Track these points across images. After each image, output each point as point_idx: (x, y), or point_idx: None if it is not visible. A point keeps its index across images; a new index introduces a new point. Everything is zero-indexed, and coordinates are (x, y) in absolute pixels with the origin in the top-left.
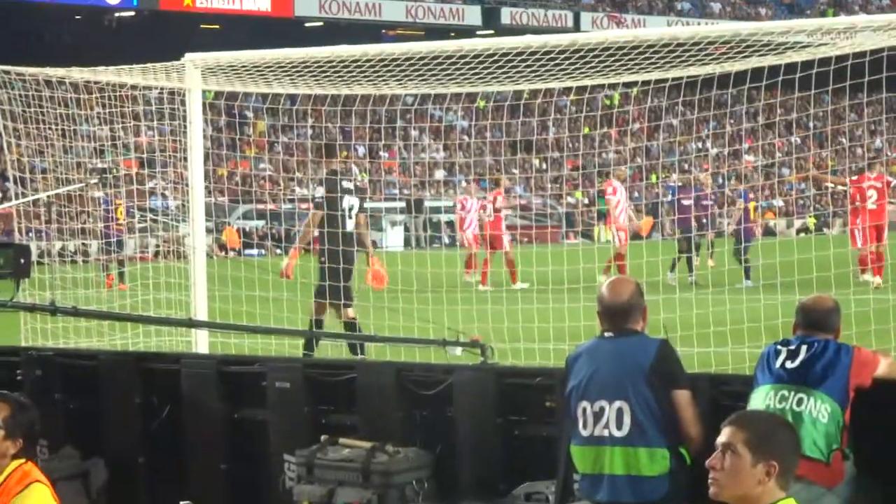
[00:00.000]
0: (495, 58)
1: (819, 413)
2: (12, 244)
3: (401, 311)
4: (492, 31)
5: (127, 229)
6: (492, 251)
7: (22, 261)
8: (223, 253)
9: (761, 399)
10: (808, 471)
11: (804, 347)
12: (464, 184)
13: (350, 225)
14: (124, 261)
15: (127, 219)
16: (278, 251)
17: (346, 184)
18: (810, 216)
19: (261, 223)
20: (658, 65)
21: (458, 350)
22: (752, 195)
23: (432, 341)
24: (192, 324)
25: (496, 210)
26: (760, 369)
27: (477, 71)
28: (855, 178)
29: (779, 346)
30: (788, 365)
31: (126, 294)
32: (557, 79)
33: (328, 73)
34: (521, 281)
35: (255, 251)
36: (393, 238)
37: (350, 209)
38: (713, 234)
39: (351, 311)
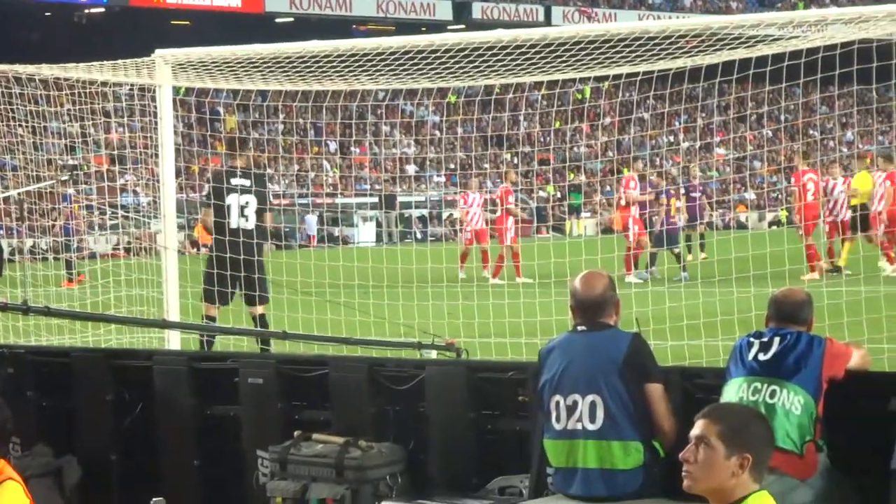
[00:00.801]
0: (466, 52)
1: (792, 405)
2: None
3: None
4: (463, 26)
5: (86, 226)
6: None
7: None
8: (195, 250)
9: (734, 391)
10: (782, 463)
11: (777, 339)
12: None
13: (245, 223)
14: (72, 260)
15: (84, 215)
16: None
17: (237, 181)
18: (782, 209)
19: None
20: (629, 58)
21: (434, 353)
22: (672, 191)
23: (407, 344)
24: (164, 324)
25: (505, 204)
26: (733, 362)
27: (448, 66)
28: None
29: (751, 339)
30: (761, 357)
31: (98, 291)
32: (529, 73)
33: (299, 69)
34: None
35: None
36: (365, 234)
37: (245, 206)
38: (703, 226)
39: (259, 308)
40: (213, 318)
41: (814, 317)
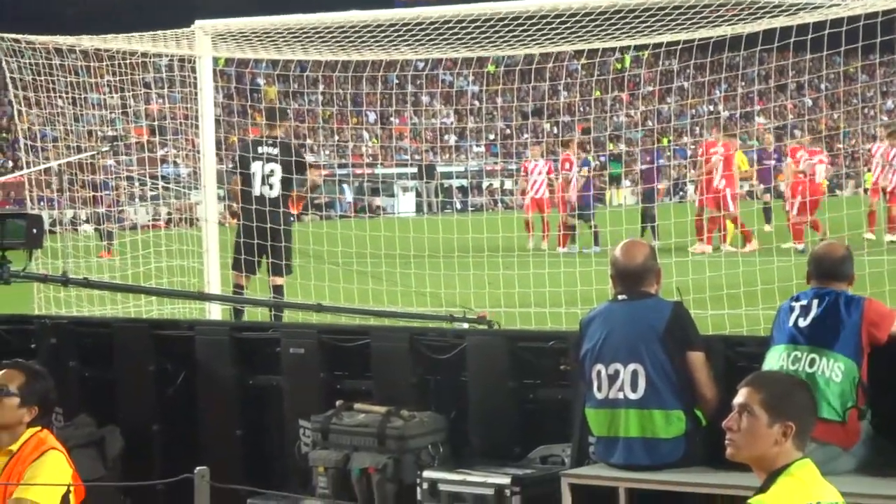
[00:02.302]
0: (506, 21)
1: (832, 373)
2: (25, 214)
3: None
4: None
5: (126, 197)
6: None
7: (34, 231)
8: (235, 220)
9: (775, 360)
10: (824, 432)
11: (815, 302)
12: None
13: (269, 191)
14: (114, 231)
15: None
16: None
17: (263, 149)
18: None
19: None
20: (669, 27)
21: (466, 326)
22: (597, 162)
23: (440, 317)
24: (201, 296)
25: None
26: (776, 327)
27: (488, 35)
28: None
29: (792, 303)
30: (801, 323)
31: (139, 261)
32: (568, 42)
33: (339, 39)
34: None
35: None
36: (404, 204)
37: (269, 175)
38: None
39: (280, 279)
40: (241, 287)
41: (854, 272)
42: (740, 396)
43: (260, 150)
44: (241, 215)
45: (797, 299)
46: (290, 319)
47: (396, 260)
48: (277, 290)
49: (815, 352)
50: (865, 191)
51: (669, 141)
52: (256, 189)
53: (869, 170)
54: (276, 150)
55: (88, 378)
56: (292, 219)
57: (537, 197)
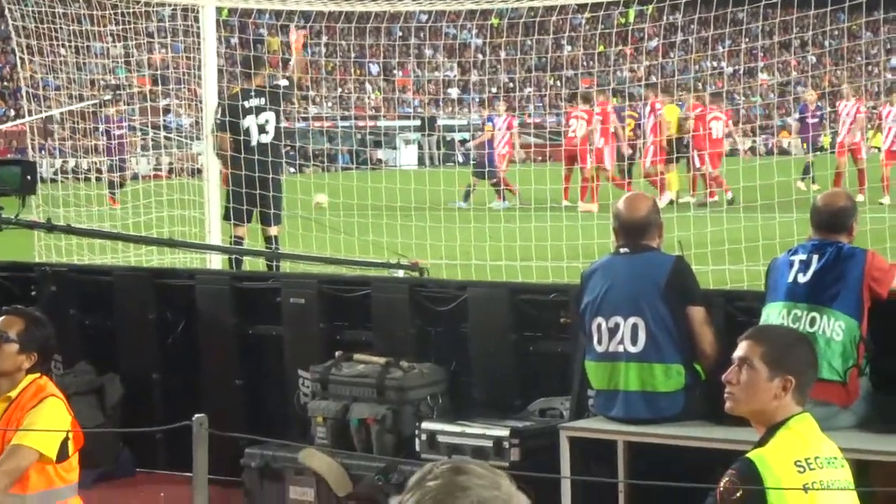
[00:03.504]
0: None
1: (833, 331)
2: (18, 160)
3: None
4: None
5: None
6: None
7: (28, 177)
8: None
9: (774, 318)
10: (824, 392)
11: (815, 257)
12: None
13: (267, 138)
14: (115, 179)
15: (127, 135)
16: (291, 170)
17: (252, 101)
18: (825, 135)
19: (280, 142)
20: None
21: (400, 273)
22: (514, 121)
23: (373, 263)
24: (172, 243)
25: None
26: (773, 282)
27: None
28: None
29: (791, 257)
30: (800, 279)
31: (140, 211)
32: None
33: None
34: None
35: None
36: (406, 156)
37: (265, 124)
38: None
39: (273, 229)
40: (241, 238)
41: (856, 223)
42: (740, 350)
43: (248, 103)
44: (232, 165)
45: (795, 252)
46: (291, 269)
47: (397, 213)
48: (270, 240)
49: (815, 310)
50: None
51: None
52: (253, 139)
53: (877, 128)
54: (264, 100)
55: (88, 326)
56: (281, 170)
57: (502, 152)
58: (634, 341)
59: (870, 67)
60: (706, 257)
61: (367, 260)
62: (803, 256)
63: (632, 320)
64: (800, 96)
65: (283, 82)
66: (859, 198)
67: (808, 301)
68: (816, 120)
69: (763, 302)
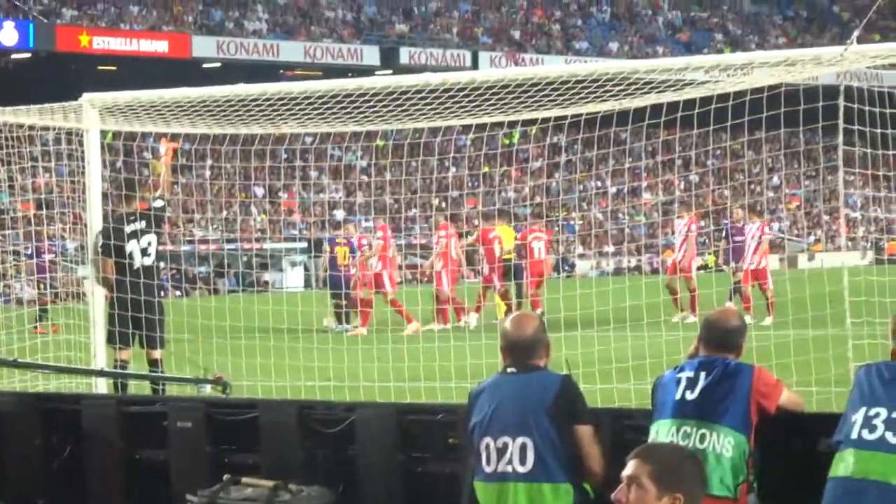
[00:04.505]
0: (394, 96)
1: (723, 448)
2: None
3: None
4: (390, 71)
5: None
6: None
7: None
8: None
9: (664, 435)
10: None
11: (703, 374)
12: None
13: (148, 261)
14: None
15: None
16: (178, 293)
17: (134, 226)
18: (709, 253)
19: (160, 264)
20: (557, 102)
21: (208, 388)
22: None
23: (178, 378)
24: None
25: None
26: (660, 400)
27: (376, 110)
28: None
29: (678, 374)
30: (689, 396)
31: (25, 336)
32: (457, 117)
33: (227, 113)
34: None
35: None
36: (293, 278)
37: (147, 246)
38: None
39: (156, 352)
40: (125, 361)
41: (744, 342)
42: (629, 468)
43: (130, 227)
44: (115, 288)
45: (682, 370)
46: (178, 392)
47: (284, 334)
48: (154, 363)
49: (704, 426)
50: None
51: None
52: (137, 262)
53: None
54: (145, 223)
55: None
56: (164, 292)
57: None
58: (523, 461)
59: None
60: (594, 376)
61: (172, 375)
62: (690, 373)
63: (520, 440)
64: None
65: (159, 203)
66: (747, 318)
67: (697, 418)
68: (743, 237)
69: (651, 419)
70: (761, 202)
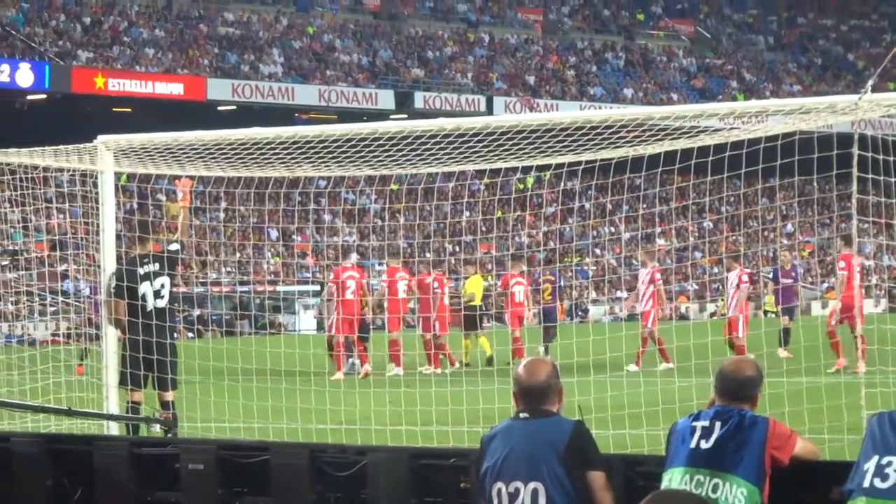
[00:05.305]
0: (409, 140)
1: (735, 498)
2: None
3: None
4: (405, 115)
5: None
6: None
7: None
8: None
9: (676, 483)
10: None
11: (718, 424)
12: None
13: (161, 303)
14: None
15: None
16: (190, 335)
17: (147, 268)
18: (721, 300)
19: (174, 306)
20: (571, 148)
21: (157, 427)
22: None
23: (134, 418)
24: (70, 413)
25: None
26: (674, 448)
27: (390, 154)
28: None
29: (693, 423)
30: (703, 445)
31: (38, 377)
32: (471, 162)
33: (241, 156)
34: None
35: None
36: (305, 321)
37: (161, 289)
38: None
39: (169, 394)
40: (138, 403)
41: (759, 392)
42: None
43: (143, 269)
44: (128, 329)
45: (697, 418)
46: (189, 435)
47: (296, 377)
48: (166, 405)
49: (717, 476)
50: (765, 313)
51: (572, 261)
52: (150, 304)
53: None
54: (157, 265)
55: None
56: (177, 334)
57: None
58: None
59: (766, 233)
60: (606, 421)
61: (123, 415)
62: (706, 423)
63: (532, 485)
64: (697, 262)
65: (174, 246)
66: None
67: (710, 467)
68: (790, 281)
69: (663, 467)
70: (774, 248)
